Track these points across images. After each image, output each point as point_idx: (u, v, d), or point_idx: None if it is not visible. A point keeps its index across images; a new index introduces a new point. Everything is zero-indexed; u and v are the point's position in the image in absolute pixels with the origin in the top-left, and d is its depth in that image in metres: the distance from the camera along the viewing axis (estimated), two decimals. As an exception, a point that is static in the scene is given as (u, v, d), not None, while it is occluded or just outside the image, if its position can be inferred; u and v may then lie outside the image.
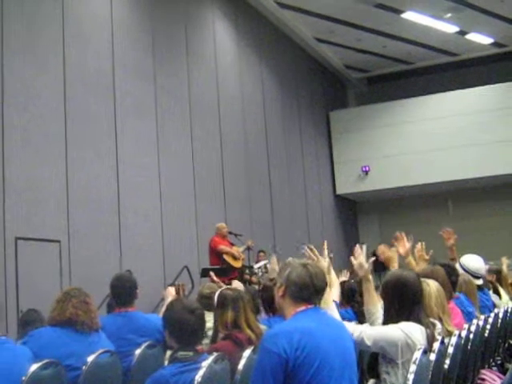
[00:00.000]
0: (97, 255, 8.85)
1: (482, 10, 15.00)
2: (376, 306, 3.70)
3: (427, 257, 5.30)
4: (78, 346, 3.48)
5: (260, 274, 9.82)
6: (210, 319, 3.83)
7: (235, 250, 9.72)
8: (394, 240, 5.12)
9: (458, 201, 18.16)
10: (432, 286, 3.88)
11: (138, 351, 3.77)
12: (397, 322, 3.28)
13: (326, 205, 17.39)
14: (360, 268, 3.78)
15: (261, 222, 13.38)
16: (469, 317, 4.65)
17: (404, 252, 5.06)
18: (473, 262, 5.71)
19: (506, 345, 5.86)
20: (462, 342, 3.82)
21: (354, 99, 20.51)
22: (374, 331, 3.31)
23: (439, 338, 3.37)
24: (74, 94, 8.90)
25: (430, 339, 3.27)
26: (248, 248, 10.23)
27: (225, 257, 9.46)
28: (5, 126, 7.77)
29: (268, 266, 7.75)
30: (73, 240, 8.50)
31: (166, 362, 3.20)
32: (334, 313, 3.35)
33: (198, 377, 2.79)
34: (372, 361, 3.39)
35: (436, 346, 3.25)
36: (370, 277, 3.79)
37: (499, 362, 5.32)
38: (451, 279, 4.78)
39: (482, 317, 4.70)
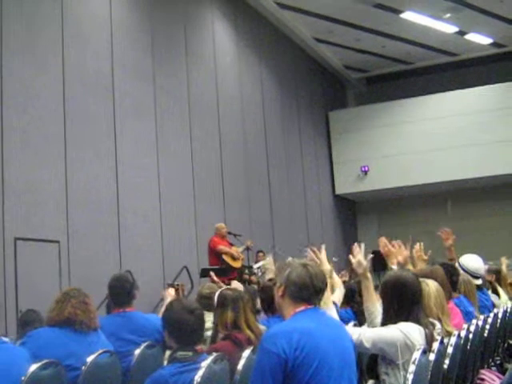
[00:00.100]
0: (96, 255, 8.85)
1: (481, 10, 15.00)
2: (375, 304, 3.71)
3: (426, 257, 5.30)
4: (77, 346, 3.48)
5: (259, 274, 9.82)
6: (209, 319, 3.83)
7: (234, 251, 9.73)
8: (392, 247, 5.10)
9: (458, 201, 18.16)
10: (431, 286, 3.88)
11: (137, 351, 3.78)
12: (396, 322, 3.28)
13: (325, 205, 17.39)
14: (359, 266, 3.79)
15: (260, 222, 13.38)
16: (468, 317, 4.65)
17: (403, 259, 5.04)
18: (472, 261, 5.71)
19: (506, 345, 5.85)
20: (462, 342, 3.82)
21: (353, 99, 20.52)
22: (373, 333, 3.30)
23: (438, 338, 3.37)
24: (74, 94, 8.90)
25: (429, 339, 3.27)
26: (247, 248, 10.24)
27: (224, 257, 9.47)
28: (4, 126, 7.77)
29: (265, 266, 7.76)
30: (72, 240, 8.50)
31: (166, 362, 3.20)
32: (333, 314, 3.35)
33: (198, 377, 2.79)
34: (371, 362, 3.39)
35: (435, 346, 3.25)
36: (369, 275, 3.80)
37: (498, 362, 5.31)
38: (452, 279, 4.78)
39: (482, 317, 4.70)
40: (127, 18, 10.37)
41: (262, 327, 3.77)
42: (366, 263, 3.77)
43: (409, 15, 15.15)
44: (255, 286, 8.01)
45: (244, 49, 13.91)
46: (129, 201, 9.65)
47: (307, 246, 3.74)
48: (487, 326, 4.71)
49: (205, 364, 2.85)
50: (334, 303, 3.82)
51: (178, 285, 6.12)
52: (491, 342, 4.97)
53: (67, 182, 8.59)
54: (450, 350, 3.53)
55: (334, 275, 4.21)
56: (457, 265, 5.58)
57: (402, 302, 3.32)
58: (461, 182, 16.89)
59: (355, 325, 4.13)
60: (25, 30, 8.26)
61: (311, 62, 17.73)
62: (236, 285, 4.97)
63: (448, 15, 15.19)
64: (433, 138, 16.78)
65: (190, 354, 2.90)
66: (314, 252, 3.75)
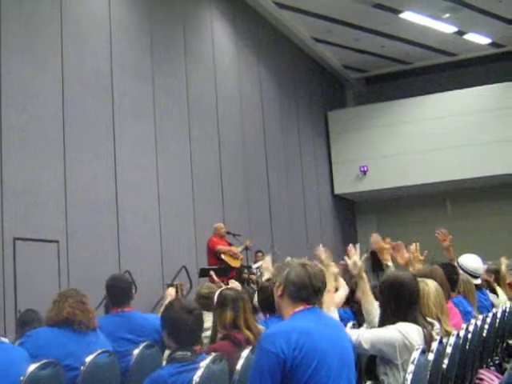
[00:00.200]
0: (95, 256, 8.85)
1: (480, 10, 15.01)
2: (372, 303, 3.71)
3: (422, 257, 5.28)
4: (76, 346, 3.48)
5: (258, 274, 9.82)
6: (208, 319, 3.83)
7: (234, 249, 9.73)
8: (393, 250, 5.09)
9: (457, 201, 18.17)
10: (431, 286, 3.88)
11: (136, 351, 3.77)
12: (393, 322, 3.28)
13: (324, 205, 17.39)
14: (354, 267, 3.79)
15: (259, 223, 13.38)
16: (467, 317, 4.65)
17: (403, 261, 5.03)
18: (471, 261, 5.71)
19: (504, 345, 5.86)
20: (461, 341, 3.82)
21: (352, 99, 20.52)
22: (371, 334, 3.30)
23: (437, 337, 3.37)
24: (72, 94, 8.90)
25: (428, 339, 3.27)
26: (246, 248, 10.24)
27: (223, 256, 9.46)
28: (3, 126, 7.77)
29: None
30: (71, 240, 8.50)
31: (164, 363, 3.20)
32: (334, 316, 3.34)
33: (196, 377, 2.79)
34: (370, 362, 3.39)
35: (434, 345, 3.25)
36: (364, 275, 3.80)
37: (497, 361, 5.32)
38: (452, 278, 4.77)
39: (480, 317, 4.70)
40: (126, 17, 10.36)
41: (261, 327, 3.77)
42: (360, 264, 3.78)
43: (408, 15, 15.16)
44: (254, 286, 8.02)
45: (243, 49, 13.91)
46: (128, 201, 9.65)
47: (318, 244, 3.70)
48: (486, 326, 4.71)
49: (204, 364, 2.85)
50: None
51: (177, 285, 6.11)
52: (490, 342, 4.97)
53: (66, 181, 8.59)
54: (448, 349, 3.53)
55: (340, 278, 4.21)
56: (456, 264, 5.57)
57: (399, 302, 3.32)
58: (459, 182, 16.90)
59: (354, 324, 4.14)
60: (24, 29, 8.26)
61: (310, 62, 17.74)
62: (234, 284, 4.97)
63: (447, 15, 15.20)
64: (431, 138, 16.79)
65: (189, 354, 2.90)
66: (324, 251, 3.70)
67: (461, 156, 16.40)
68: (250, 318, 3.68)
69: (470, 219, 17.59)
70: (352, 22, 15.47)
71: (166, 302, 4.21)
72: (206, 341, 3.77)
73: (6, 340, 3.38)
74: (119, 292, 4.26)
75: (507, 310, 5.85)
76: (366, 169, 17.52)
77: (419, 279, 3.86)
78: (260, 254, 11.16)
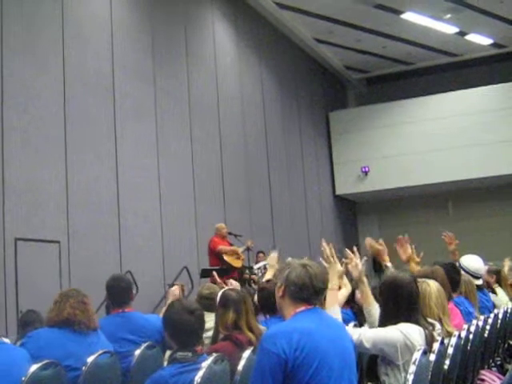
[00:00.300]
0: (96, 256, 8.85)
1: (482, 11, 15.01)
2: (373, 305, 3.71)
3: (418, 259, 5.26)
4: (77, 346, 3.48)
5: (260, 274, 9.82)
6: (209, 320, 3.82)
7: (235, 248, 9.73)
8: (397, 244, 5.08)
9: (458, 201, 18.16)
10: (432, 286, 3.87)
11: (137, 352, 3.77)
12: (394, 323, 3.28)
13: (325, 205, 17.39)
14: (355, 269, 3.79)
15: (260, 223, 13.38)
16: (468, 317, 4.64)
17: (406, 258, 5.01)
18: (472, 262, 5.70)
19: (506, 345, 5.85)
20: (462, 342, 3.81)
21: (353, 100, 20.52)
22: (373, 333, 3.30)
23: (439, 338, 3.37)
24: (74, 94, 8.91)
25: (429, 340, 3.26)
26: (247, 248, 10.23)
27: (225, 257, 9.46)
28: (4, 127, 7.78)
29: (267, 266, 7.75)
30: (72, 241, 8.51)
31: (166, 363, 3.20)
32: (337, 314, 3.34)
33: (198, 377, 2.79)
34: (371, 362, 3.39)
35: (436, 346, 3.25)
36: (365, 278, 3.80)
37: (499, 362, 5.31)
38: (454, 279, 4.77)
39: (482, 317, 4.70)
40: (127, 18, 10.37)
41: (263, 328, 3.77)
42: (361, 267, 3.77)
43: (409, 16, 15.16)
44: (255, 287, 8.01)
45: (244, 49, 13.92)
46: (129, 201, 9.65)
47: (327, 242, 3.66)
48: (487, 327, 4.70)
49: (205, 364, 2.85)
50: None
51: (180, 285, 6.12)
52: (491, 343, 4.96)
53: (68, 182, 8.59)
54: (450, 350, 3.52)
55: (344, 277, 4.19)
56: (457, 265, 5.57)
57: (398, 303, 3.32)
58: (462, 183, 16.89)
59: (355, 325, 4.13)
60: (25, 30, 8.27)
61: (311, 63, 17.74)
62: (233, 284, 4.94)
63: (448, 16, 15.20)
64: (433, 139, 16.79)
65: (190, 354, 2.90)
66: (330, 249, 3.67)
67: (465, 156, 16.39)
68: (251, 320, 3.68)
69: (471, 220, 17.57)
70: (353, 23, 15.48)
71: (169, 301, 4.22)
72: (207, 341, 3.77)
73: (7, 340, 3.38)
74: (120, 292, 4.26)
75: (509, 310, 5.84)
76: (367, 169, 17.52)
77: (420, 280, 3.87)
78: (261, 255, 11.16)
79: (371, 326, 3.66)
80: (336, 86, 19.68)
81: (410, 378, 2.89)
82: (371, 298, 3.73)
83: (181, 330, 2.96)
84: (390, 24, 15.56)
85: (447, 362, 3.49)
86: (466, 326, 4.06)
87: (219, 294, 3.82)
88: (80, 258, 8.54)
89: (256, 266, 10.21)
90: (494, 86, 16.89)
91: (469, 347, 4.06)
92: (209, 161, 11.97)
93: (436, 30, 15.98)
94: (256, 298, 4.46)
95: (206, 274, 8.92)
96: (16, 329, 5.55)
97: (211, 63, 12.53)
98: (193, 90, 11.73)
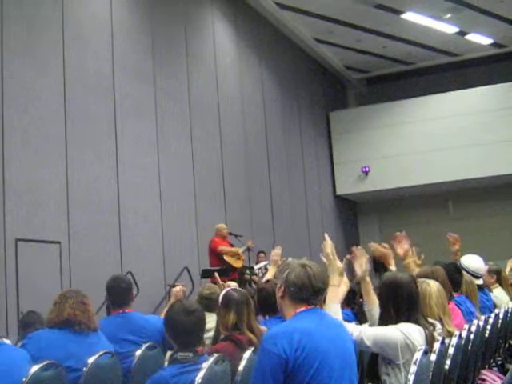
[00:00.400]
0: (97, 256, 8.85)
1: (482, 11, 15.01)
2: (375, 304, 3.71)
3: (419, 261, 5.23)
4: (77, 347, 3.47)
5: (260, 274, 9.82)
6: (209, 320, 3.82)
7: (236, 249, 9.73)
8: (393, 240, 5.05)
9: (459, 201, 18.16)
10: (433, 286, 3.87)
11: (138, 352, 3.77)
12: (393, 323, 3.28)
13: (325, 205, 17.39)
14: (360, 269, 3.78)
15: (261, 223, 13.38)
16: (470, 317, 4.64)
17: (403, 253, 4.97)
18: (473, 261, 5.70)
19: (507, 345, 5.85)
20: (463, 342, 3.81)
21: (353, 100, 20.52)
22: (374, 331, 3.31)
23: (439, 338, 3.37)
24: (74, 95, 8.91)
25: (429, 340, 3.26)
26: (248, 249, 10.22)
27: (225, 257, 9.46)
28: (5, 127, 7.78)
29: (268, 266, 7.75)
30: (73, 241, 8.51)
31: (166, 364, 3.20)
32: (338, 312, 3.32)
33: (198, 378, 2.79)
34: (372, 362, 3.39)
35: (436, 346, 3.25)
36: (368, 278, 3.79)
37: (500, 362, 5.31)
38: (454, 278, 4.76)
39: (483, 317, 4.69)
40: (127, 19, 10.38)
41: (264, 328, 3.77)
42: (365, 267, 3.76)
43: (409, 16, 15.16)
44: (256, 287, 8.00)
45: (244, 49, 13.92)
46: (129, 201, 9.66)
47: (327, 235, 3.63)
48: (488, 327, 4.70)
49: (206, 365, 2.85)
50: None
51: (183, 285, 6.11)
52: (492, 343, 4.96)
53: (68, 182, 8.60)
54: (451, 350, 3.52)
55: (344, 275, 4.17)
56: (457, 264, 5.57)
57: (398, 303, 3.32)
58: (462, 183, 16.89)
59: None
60: (25, 31, 8.27)
61: (312, 63, 17.74)
62: (232, 286, 4.92)
63: (448, 16, 15.20)
64: (433, 139, 16.78)
65: (191, 355, 2.90)
66: (329, 246, 3.62)
67: (464, 156, 16.39)
68: (253, 321, 3.67)
69: (471, 220, 17.57)
70: (354, 23, 15.47)
71: (171, 302, 4.22)
72: (207, 342, 3.77)
73: (7, 341, 3.38)
74: (120, 293, 4.26)
75: (510, 310, 5.84)
76: (367, 169, 17.52)
77: (421, 280, 3.87)
78: (262, 255, 11.16)
79: (372, 326, 3.66)
80: (336, 85, 19.68)
81: (411, 377, 2.89)
82: (374, 297, 3.73)
83: (181, 330, 2.96)
84: (390, 24, 15.56)
85: (448, 361, 3.49)
86: (466, 326, 4.06)
87: (221, 294, 3.81)
88: (80, 259, 8.54)
89: (257, 267, 10.21)
90: (494, 85, 16.90)
91: (470, 347, 4.06)
92: (209, 160, 11.98)
93: (436, 30, 15.98)
94: (256, 298, 4.45)
95: (206, 274, 8.93)
96: (17, 330, 5.55)
97: (211, 63, 12.53)
98: (193, 90, 11.73)
